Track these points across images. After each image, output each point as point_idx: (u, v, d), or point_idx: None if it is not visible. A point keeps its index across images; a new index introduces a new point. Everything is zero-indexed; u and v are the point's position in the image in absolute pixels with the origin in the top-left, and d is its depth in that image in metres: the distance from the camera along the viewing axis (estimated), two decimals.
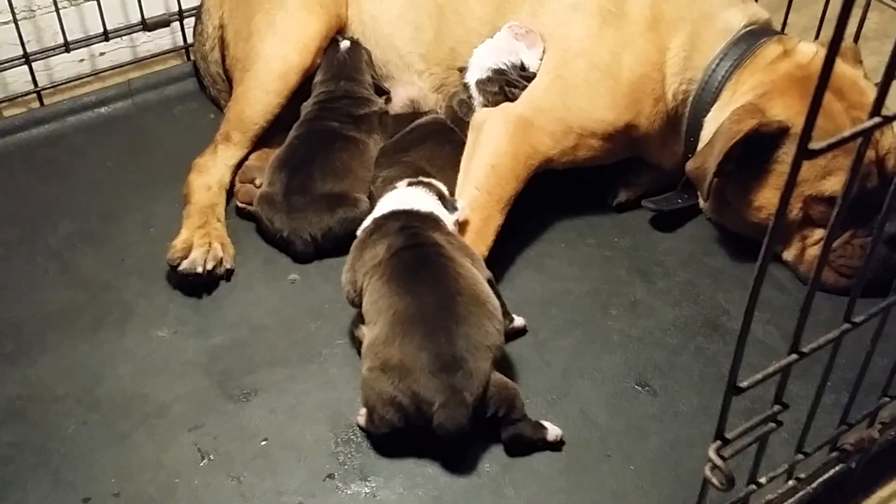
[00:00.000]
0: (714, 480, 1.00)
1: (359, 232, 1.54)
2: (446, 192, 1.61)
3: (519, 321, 1.59)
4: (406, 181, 1.60)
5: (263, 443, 1.43)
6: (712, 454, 1.00)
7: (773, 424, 1.06)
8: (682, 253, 1.80)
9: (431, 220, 1.52)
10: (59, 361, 1.56)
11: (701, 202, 1.80)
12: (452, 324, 1.34)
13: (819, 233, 1.67)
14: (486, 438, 1.40)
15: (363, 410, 1.40)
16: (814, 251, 1.68)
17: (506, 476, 1.38)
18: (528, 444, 1.40)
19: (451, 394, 1.30)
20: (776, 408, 1.05)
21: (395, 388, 1.32)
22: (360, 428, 1.42)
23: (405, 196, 1.56)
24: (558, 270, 1.75)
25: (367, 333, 1.42)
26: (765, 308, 1.66)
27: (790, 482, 1.23)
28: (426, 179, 1.61)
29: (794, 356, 1.00)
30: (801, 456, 1.20)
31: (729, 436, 1.01)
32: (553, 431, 1.40)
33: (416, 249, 1.44)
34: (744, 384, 0.96)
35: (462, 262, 1.45)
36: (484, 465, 1.39)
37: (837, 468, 1.32)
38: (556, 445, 1.41)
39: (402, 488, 1.36)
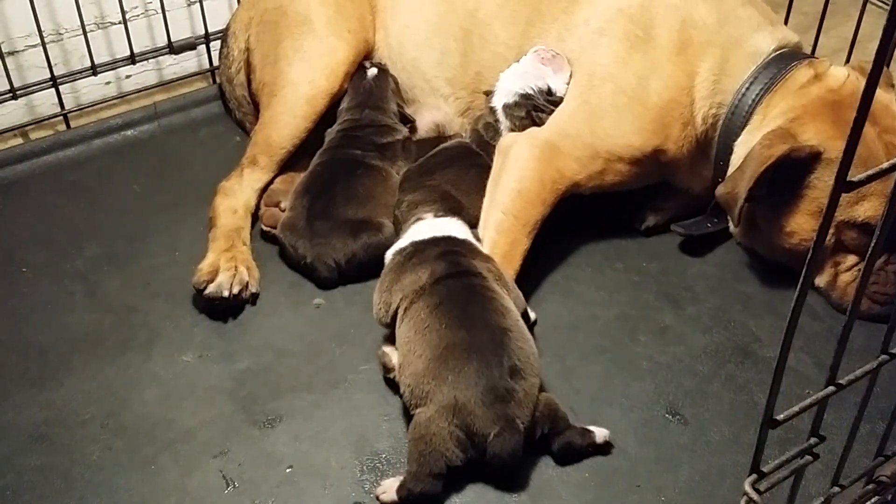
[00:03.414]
0: None
1: (392, 254, 1.54)
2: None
3: (532, 315, 1.61)
4: (433, 212, 1.61)
5: (288, 470, 1.42)
6: (748, 488, 0.97)
7: (809, 457, 1.04)
8: (711, 278, 1.77)
9: (469, 246, 1.52)
10: (84, 385, 1.56)
11: (731, 227, 1.78)
12: (504, 358, 1.35)
13: (851, 258, 1.65)
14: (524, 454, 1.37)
15: (391, 485, 1.35)
16: (846, 277, 1.65)
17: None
18: (578, 451, 1.40)
19: (506, 422, 1.31)
20: (813, 440, 1.03)
21: (451, 425, 1.31)
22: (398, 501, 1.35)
23: (438, 224, 1.56)
24: (586, 295, 1.73)
25: (406, 365, 1.40)
26: (797, 335, 1.58)
27: None
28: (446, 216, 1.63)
29: (832, 388, 0.98)
30: (836, 489, 1.17)
31: (765, 469, 0.98)
32: (600, 434, 1.41)
33: (461, 280, 1.44)
34: (780, 417, 0.94)
35: (503, 294, 1.45)
36: (511, 496, 1.37)
37: (874, 500, 1.29)
38: (606, 448, 1.41)
39: None
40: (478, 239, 1.62)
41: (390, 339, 1.51)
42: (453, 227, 1.56)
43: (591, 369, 1.58)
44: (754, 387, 1.54)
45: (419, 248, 1.51)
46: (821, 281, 1.69)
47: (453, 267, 1.45)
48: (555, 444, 1.39)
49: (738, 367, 1.58)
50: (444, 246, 1.50)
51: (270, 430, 1.48)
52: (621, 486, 1.39)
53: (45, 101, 2.19)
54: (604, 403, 1.52)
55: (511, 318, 1.41)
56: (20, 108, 2.18)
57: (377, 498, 1.35)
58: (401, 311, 1.44)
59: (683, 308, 1.71)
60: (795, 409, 0.96)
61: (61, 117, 2.17)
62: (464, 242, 1.54)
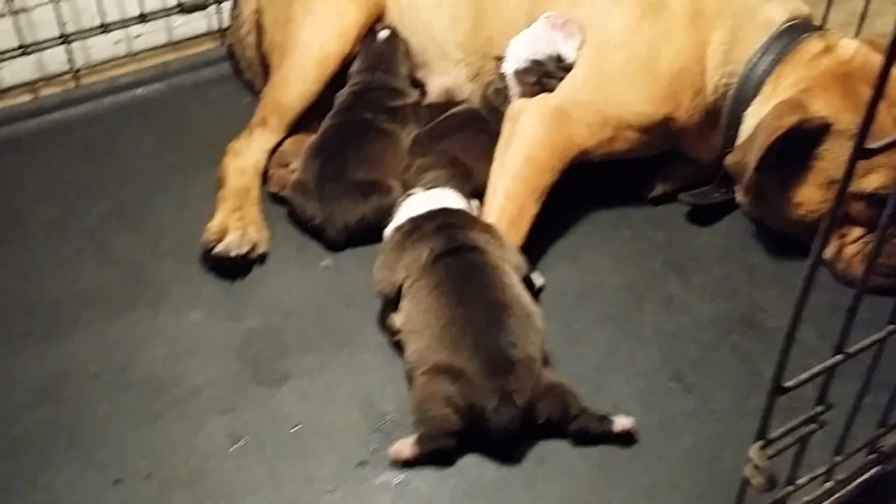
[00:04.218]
0: (754, 481, 0.99)
1: (391, 230, 1.54)
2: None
3: (539, 280, 1.58)
4: (421, 187, 1.61)
5: (295, 429, 1.43)
6: (754, 455, 0.98)
7: (815, 425, 1.05)
8: (718, 248, 1.77)
9: (465, 217, 1.52)
10: (92, 341, 1.57)
11: (738, 197, 1.78)
12: (501, 333, 1.35)
13: (857, 230, 1.65)
14: (522, 433, 1.38)
15: (405, 444, 1.37)
16: (852, 249, 1.65)
17: (538, 470, 1.37)
18: (595, 437, 1.39)
19: (502, 396, 1.32)
20: (819, 408, 1.04)
21: (450, 389, 1.32)
22: (409, 461, 1.37)
23: (431, 196, 1.56)
24: (593, 262, 1.74)
25: (409, 341, 1.42)
26: None
27: (827, 483, 1.21)
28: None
29: (840, 356, 0.99)
30: (839, 458, 1.19)
31: (771, 436, 0.99)
32: (620, 423, 1.39)
33: (460, 256, 1.44)
34: (788, 384, 0.95)
35: (504, 268, 1.45)
36: (516, 460, 1.38)
37: (875, 470, 1.30)
38: (627, 437, 1.39)
39: (433, 479, 1.36)
40: (480, 203, 1.60)
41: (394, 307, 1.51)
42: (447, 198, 1.56)
43: (597, 336, 1.59)
44: (759, 356, 1.54)
45: (417, 223, 1.51)
46: (826, 253, 1.69)
47: (451, 242, 1.45)
48: (570, 430, 1.38)
49: (742, 337, 1.58)
50: (442, 219, 1.50)
51: (277, 390, 1.49)
52: (625, 452, 1.39)
53: (55, 59, 2.18)
54: (609, 370, 1.52)
55: (511, 293, 1.41)
56: (30, 65, 2.17)
57: (391, 456, 1.36)
58: (404, 288, 1.45)
59: (689, 277, 1.71)
60: (805, 375, 0.96)
61: (71, 75, 2.17)
62: (459, 213, 1.53)
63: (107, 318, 1.61)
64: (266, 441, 1.41)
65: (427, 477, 1.36)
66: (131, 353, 1.55)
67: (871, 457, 1.27)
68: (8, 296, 1.64)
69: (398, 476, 1.36)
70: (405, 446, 1.36)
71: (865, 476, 1.29)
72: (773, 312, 1.63)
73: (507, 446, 1.38)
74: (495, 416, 1.32)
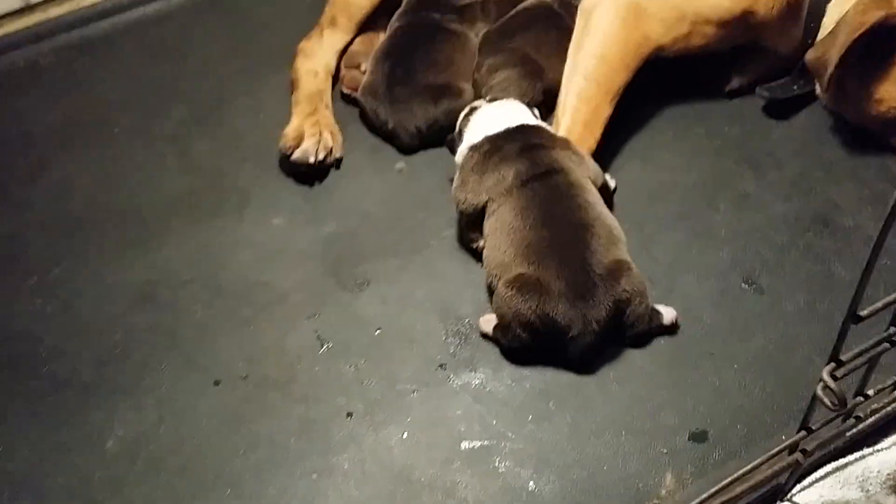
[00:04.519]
0: (826, 401, 1.03)
1: (467, 150, 1.55)
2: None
3: (612, 183, 1.62)
4: (486, 99, 1.62)
5: (377, 332, 1.50)
6: (826, 376, 1.02)
7: (887, 345, 1.07)
8: (794, 142, 1.75)
9: (545, 134, 1.53)
10: (183, 246, 1.64)
11: (818, 90, 1.74)
12: (587, 254, 1.38)
13: None
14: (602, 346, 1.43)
15: (490, 320, 1.43)
16: None
17: (611, 371, 1.42)
18: (646, 333, 1.44)
19: (584, 324, 1.36)
20: (892, 329, 1.06)
21: (531, 311, 1.36)
22: (487, 337, 1.45)
23: (500, 111, 1.57)
24: (666, 161, 1.73)
25: (492, 258, 1.45)
26: (877, 202, 1.62)
27: (895, 393, 1.25)
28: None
29: None
30: None
31: (843, 358, 1.02)
32: (668, 315, 1.44)
33: (546, 179, 1.46)
34: (863, 313, 0.97)
35: (586, 185, 1.47)
36: (590, 362, 1.43)
37: None
38: (673, 328, 1.45)
39: (510, 380, 1.42)
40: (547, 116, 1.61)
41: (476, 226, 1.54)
42: (518, 113, 1.57)
43: (670, 237, 1.60)
44: (832, 256, 1.55)
45: (496, 144, 1.52)
46: None
47: (537, 167, 1.47)
48: (626, 331, 1.42)
49: (817, 237, 1.59)
50: (522, 139, 1.51)
51: (359, 294, 1.55)
52: (696, 353, 1.44)
53: None
54: (681, 271, 1.55)
55: (593, 212, 1.44)
56: None
57: (480, 326, 1.45)
58: (488, 210, 1.48)
59: (765, 174, 1.70)
60: (879, 305, 0.98)
61: None
62: (538, 130, 1.54)
63: (194, 223, 1.68)
64: (351, 344, 1.48)
65: (504, 379, 1.42)
66: (220, 259, 1.62)
67: None
68: (98, 204, 1.71)
69: (477, 378, 1.43)
70: (488, 324, 1.43)
71: None
72: (849, 210, 1.62)
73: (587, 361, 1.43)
74: (575, 345, 1.37)
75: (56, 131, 1.85)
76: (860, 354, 1.04)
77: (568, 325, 1.36)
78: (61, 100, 1.92)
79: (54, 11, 2.09)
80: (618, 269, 1.40)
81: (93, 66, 2.00)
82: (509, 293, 1.38)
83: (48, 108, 1.90)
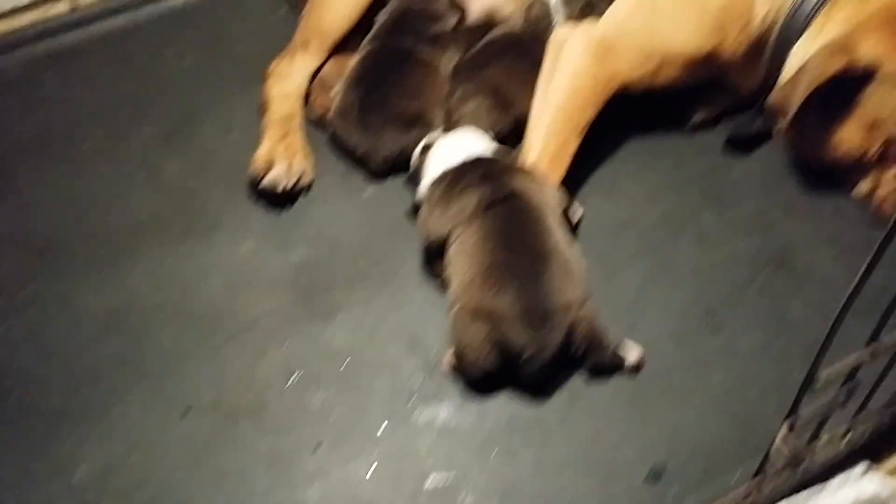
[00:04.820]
0: (785, 451, 1.07)
1: (430, 185, 1.58)
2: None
3: (578, 212, 1.65)
4: (444, 131, 1.68)
5: (347, 360, 1.52)
6: (781, 438, 1.06)
7: (842, 398, 1.12)
8: (755, 178, 1.79)
9: (503, 162, 1.58)
10: (153, 270, 1.64)
11: (777, 130, 1.79)
12: (545, 280, 1.41)
13: (894, 170, 1.67)
14: (555, 370, 1.47)
15: (449, 354, 1.47)
16: (884, 190, 1.68)
17: (571, 407, 1.46)
18: (608, 369, 1.48)
19: (539, 348, 1.40)
20: (849, 385, 1.11)
21: (486, 335, 1.40)
22: (451, 370, 1.48)
23: (458, 142, 1.61)
24: (629, 193, 1.77)
25: (454, 281, 1.48)
26: (832, 244, 1.68)
27: (847, 436, 1.30)
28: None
29: (872, 348, 1.05)
30: (861, 416, 1.27)
31: (798, 420, 1.07)
32: (633, 354, 1.47)
33: (509, 204, 1.49)
34: (822, 375, 1.02)
35: (546, 212, 1.50)
36: (552, 395, 1.47)
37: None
38: (639, 367, 1.49)
39: (475, 413, 1.45)
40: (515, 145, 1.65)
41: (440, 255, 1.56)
42: (476, 142, 1.61)
43: (632, 272, 1.64)
44: (787, 297, 1.59)
45: (458, 174, 1.56)
46: (864, 187, 1.72)
47: (499, 191, 1.50)
48: (587, 363, 1.47)
49: (773, 275, 1.62)
50: (484, 167, 1.55)
51: (329, 322, 1.57)
52: (656, 388, 1.48)
53: None
54: (643, 307, 1.59)
55: (553, 239, 1.47)
56: None
57: (444, 365, 1.48)
58: (451, 237, 1.51)
59: (725, 210, 1.74)
60: (839, 365, 1.02)
61: None
62: (496, 160, 1.58)
63: (164, 246, 1.67)
64: (321, 373, 1.50)
65: (471, 411, 1.45)
66: (190, 284, 1.62)
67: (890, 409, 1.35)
68: (68, 225, 1.70)
69: (443, 410, 1.45)
70: (449, 358, 1.47)
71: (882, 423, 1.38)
72: (805, 250, 1.67)
73: (541, 384, 1.47)
74: (529, 365, 1.41)
75: (23, 147, 1.83)
76: (816, 414, 1.09)
77: (522, 348, 1.40)
78: (28, 114, 1.90)
79: (19, 22, 2.05)
80: (574, 297, 1.44)
81: (59, 80, 1.98)
82: (465, 319, 1.42)
83: (14, 123, 1.88)
